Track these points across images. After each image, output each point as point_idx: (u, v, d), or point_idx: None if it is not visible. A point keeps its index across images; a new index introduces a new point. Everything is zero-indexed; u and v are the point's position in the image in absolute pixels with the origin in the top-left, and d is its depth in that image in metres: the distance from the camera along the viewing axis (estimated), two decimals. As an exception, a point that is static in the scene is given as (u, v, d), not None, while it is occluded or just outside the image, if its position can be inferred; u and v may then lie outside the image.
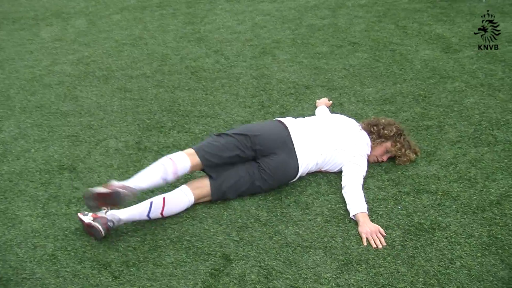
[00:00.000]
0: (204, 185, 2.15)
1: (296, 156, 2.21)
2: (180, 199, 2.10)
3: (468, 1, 4.39)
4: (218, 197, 2.17)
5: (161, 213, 2.08)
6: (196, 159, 2.12)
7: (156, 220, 2.10)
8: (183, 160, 2.10)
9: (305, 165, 2.24)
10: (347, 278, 1.81)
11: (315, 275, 1.83)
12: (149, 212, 2.05)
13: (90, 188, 1.96)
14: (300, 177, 2.31)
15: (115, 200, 1.89)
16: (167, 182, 2.09)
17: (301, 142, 2.24)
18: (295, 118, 2.44)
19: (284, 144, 2.20)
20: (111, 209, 2.02)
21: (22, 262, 1.92)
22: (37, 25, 4.45)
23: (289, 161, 2.19)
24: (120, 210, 2.03)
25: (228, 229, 2.05)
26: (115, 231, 2.05)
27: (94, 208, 1.98)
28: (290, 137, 2.23)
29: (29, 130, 2.85)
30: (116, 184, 1.94)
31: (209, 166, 2.14)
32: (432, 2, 4.42)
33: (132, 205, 2.08)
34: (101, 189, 1.90)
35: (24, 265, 1.91)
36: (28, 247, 2.00)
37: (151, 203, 2.05)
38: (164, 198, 2.07)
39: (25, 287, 1.82)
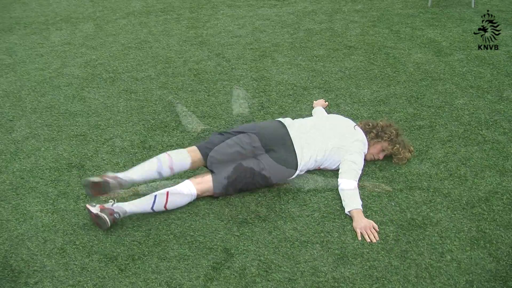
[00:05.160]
0: (206, 180, 2.20)
1: (295, 153, 2.26)
2: (183, 193, 2.16)
3: (458, 7, 4.41)
4: (220, 192, 2.20)
5: (165, 206, 2.13)
6: (198, 155, 2.21)
7: (160, 214, 2.14)
8: (180, 155, 2.18)
9: (303, 163, 2.28)
10: (342, 271, 1.85)
11: (312, 269, 1.87)
12: (153, 205, 2.11)
13: (87, 178, 2.06)
14: (298, 175, 2.34)
15: (104, 188, 2.00)
16: (162, 176, 2.16)
17: (299, 140, 2.29)
18: (293, 119, 2.50)
19: (282, 141, 2.26)
20: (117, 201, 2.10)
21: (33, 255, 1.97)
22: (48, 29, 4.43)
23: (288, 158, 2.23)
24: (126, 202, 2.11)
25: (229, 225, 2.08)
26: (121, 225, 2.09)
27: (91, 196, 2.07)
28: (289, 135, 2.29)
29: (39, 129, 2.87)
30: (109, 175, 2.05)
31: (211, 162, 2.21)
32: (424, 7, 4.44)
33: (137, 198, 2.15)
34: (95, 178, 2.02)
35: (35, 258, 1.95)
36: (39, 241, 2.04)
37: (155, 196, 2.11)
38: (167, 192, 2.13)
39: (36, 279, 1.86)
